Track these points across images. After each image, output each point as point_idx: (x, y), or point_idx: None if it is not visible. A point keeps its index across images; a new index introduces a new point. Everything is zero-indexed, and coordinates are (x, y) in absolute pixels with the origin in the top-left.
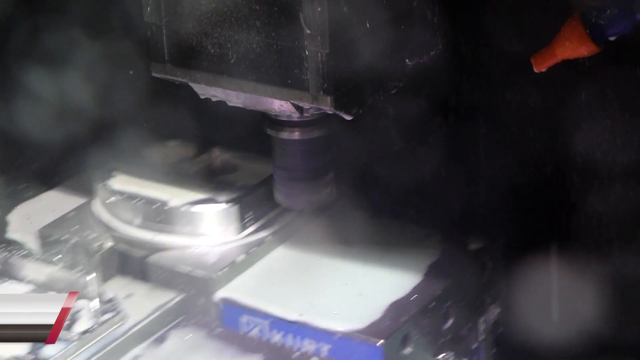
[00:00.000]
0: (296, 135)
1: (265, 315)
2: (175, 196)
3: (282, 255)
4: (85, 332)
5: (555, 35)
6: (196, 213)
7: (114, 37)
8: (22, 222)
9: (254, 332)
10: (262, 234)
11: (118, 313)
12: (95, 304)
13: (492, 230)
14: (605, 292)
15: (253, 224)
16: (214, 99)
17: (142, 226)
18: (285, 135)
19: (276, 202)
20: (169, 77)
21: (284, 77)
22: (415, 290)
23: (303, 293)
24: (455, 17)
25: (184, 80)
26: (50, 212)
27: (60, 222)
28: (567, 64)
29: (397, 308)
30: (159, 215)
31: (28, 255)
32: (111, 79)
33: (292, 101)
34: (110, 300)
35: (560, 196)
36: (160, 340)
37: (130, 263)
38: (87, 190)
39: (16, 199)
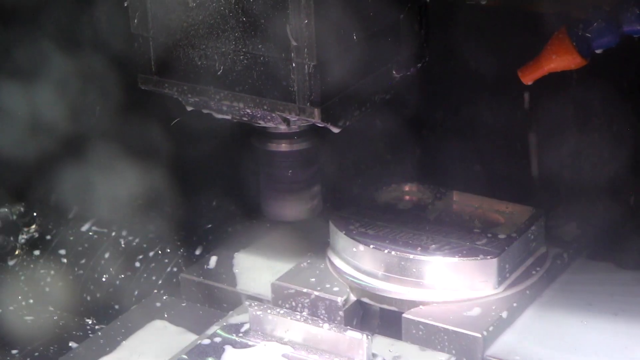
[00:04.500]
0: (283, 147)
1: None
2: (425, 246)
3: (542, 310)
4: None
5: (519, 49)
6: (454, 265)
7: (87, 52)
8: (249, 272)
9: None
10: (521, 287)
11: None
12: None
13: None
14: None
15: (510, 276)
16: (204, 111)
17: (391, 278)
18: (272, 147)
19: (526, 252)
20: (156, 89)
21: (271, 89)
22: None
23: (572, 353)
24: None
25: (171, 92)
26: (276, 261)
27: (295, 273)
28: (553, 76)
29: None
30: (412, 267)
31: (284, 313)
32: (84, 94)
33: (279, 113)
34: None
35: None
36: None
37: (371, 317)
38: (307, 237)
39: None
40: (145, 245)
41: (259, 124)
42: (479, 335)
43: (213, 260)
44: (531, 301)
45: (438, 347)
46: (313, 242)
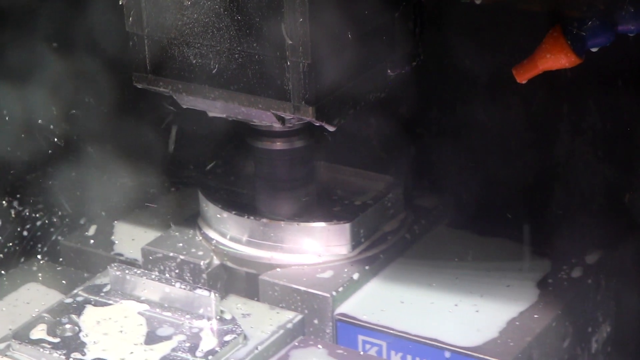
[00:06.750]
0: (277, 145)
1: (383, 335)
2: (285, 212)
3: (394, 273)
4: (209, 352)
5: (514, 48)
6: (309, 230)
7: (79, 54)
8: (125, 238)
9: (373, 352)
10: (374, 251)
11: (240, 334)
12: (216, 323)
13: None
14: None
15: (365, 241)
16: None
17: (253, 243)
18: (266, 145)
19: (382, 218)
20: (150, 87)
21: (266, 87)
22: (533, 308)
23: (419, 311)
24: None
25: (166, 90)
26: (152, 229)
27: (164, 239)
28: (548, 75)
29: (518, 327)
30: (270, 232)
31: (141, 274)
32: (76, 96)
33: (273, 111)
34: (230, 321)
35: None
36: None
37: (239, 280)
38: (186, 206)
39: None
40: (34, 215)
41: (254, 122)
42: (329, 295)
43: (93, 228)
44: (385, 265)
45: (292, 307)
46: (192, 211)
